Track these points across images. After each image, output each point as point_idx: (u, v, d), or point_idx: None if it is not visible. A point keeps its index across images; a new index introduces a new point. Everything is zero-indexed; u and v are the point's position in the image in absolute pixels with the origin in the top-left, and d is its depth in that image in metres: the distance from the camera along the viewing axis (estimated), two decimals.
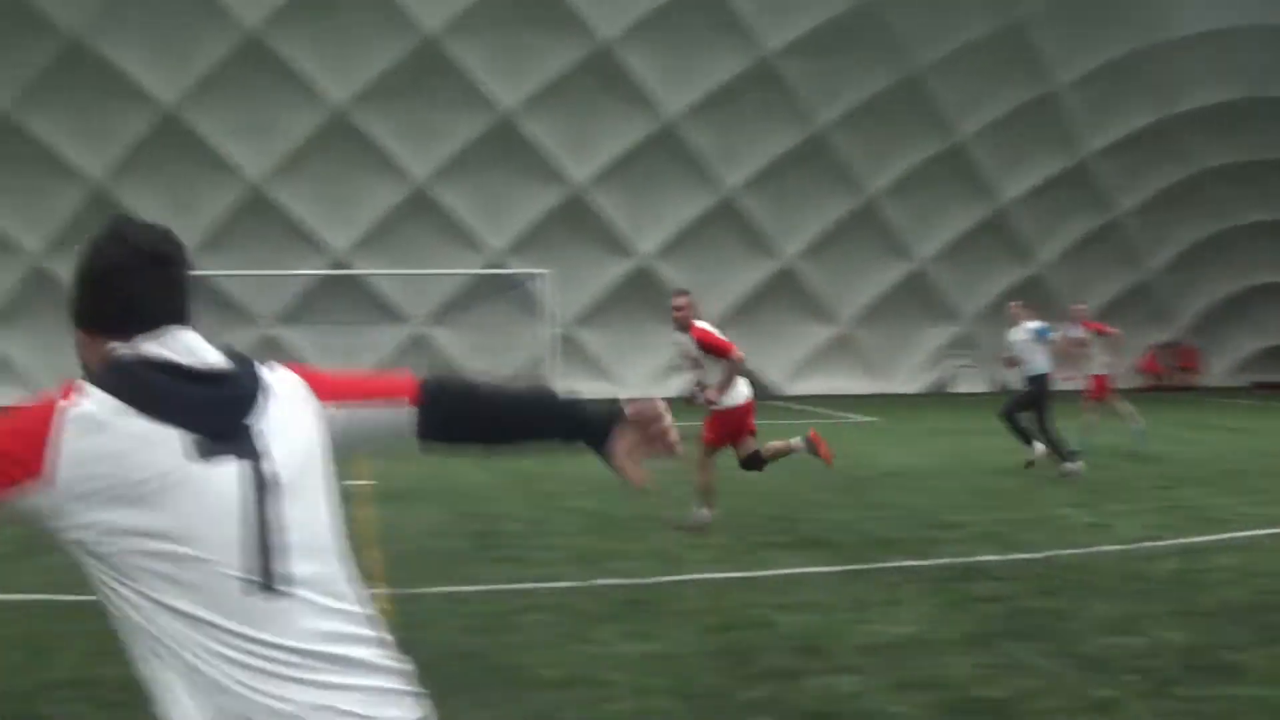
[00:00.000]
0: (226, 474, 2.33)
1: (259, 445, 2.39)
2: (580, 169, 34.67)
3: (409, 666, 2.53)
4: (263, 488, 2.38)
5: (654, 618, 8.91)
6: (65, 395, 2.27)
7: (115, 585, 2.28)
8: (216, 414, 2.37)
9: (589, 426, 2.79)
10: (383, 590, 8.94)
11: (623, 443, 2.75)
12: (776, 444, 12.55)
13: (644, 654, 7.85)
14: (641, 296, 34.73)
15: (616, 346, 36.24)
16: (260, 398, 2.47)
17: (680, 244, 36.04)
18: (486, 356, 32.36)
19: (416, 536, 12.34)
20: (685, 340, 12.31)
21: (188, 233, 29.23)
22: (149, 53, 29.71)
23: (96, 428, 2.22)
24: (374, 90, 31.79)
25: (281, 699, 2.27)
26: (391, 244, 34.08)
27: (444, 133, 33.25)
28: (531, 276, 33.38)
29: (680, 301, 12.36)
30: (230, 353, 2.50)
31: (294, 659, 2.31)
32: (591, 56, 32.72)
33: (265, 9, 29.74)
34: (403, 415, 2.70)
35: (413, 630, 7.14)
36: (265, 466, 2.39)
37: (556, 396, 2.92)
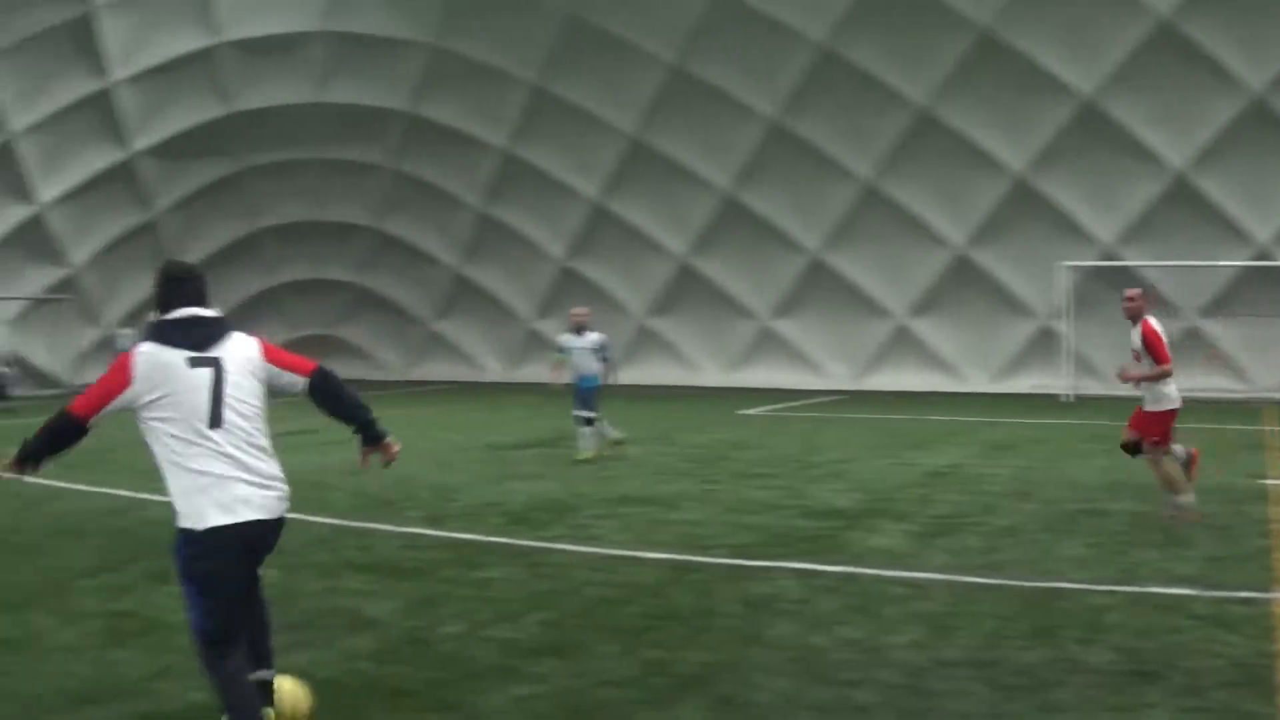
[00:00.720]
0: (203, 371, 5.40)
1: (219, 358, 5.45)
2: None
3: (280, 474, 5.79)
4: (219, 378, 5.43)
5: None
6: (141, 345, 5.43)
7: (149, 430, 5.39)
8: (197, 344, 5.45)
9: (366, 432, 6.32)
10: None
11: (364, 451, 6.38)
12: (1173, 470, 12.08)
13: None
14: None
15: None
16: (222, 339, 5.55)
17: None
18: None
19: None
20: (1134, 333, 12.35)
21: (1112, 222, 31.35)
22: (1062, 44, 29.60)
23: (147, 355, 5.35)
24: None
25: (216, 474, 5.35)
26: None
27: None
28: None
29: (1132, 293, 12.48)
30: (217, 318, 5.63)
31: (224, 454, 5.38)
32: None
33: None
34: (298, 382, 5.84)
35: None
36: (221, 368, 5.46)
37: (364, 413, 6.23)
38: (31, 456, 5.58)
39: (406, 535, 11.40)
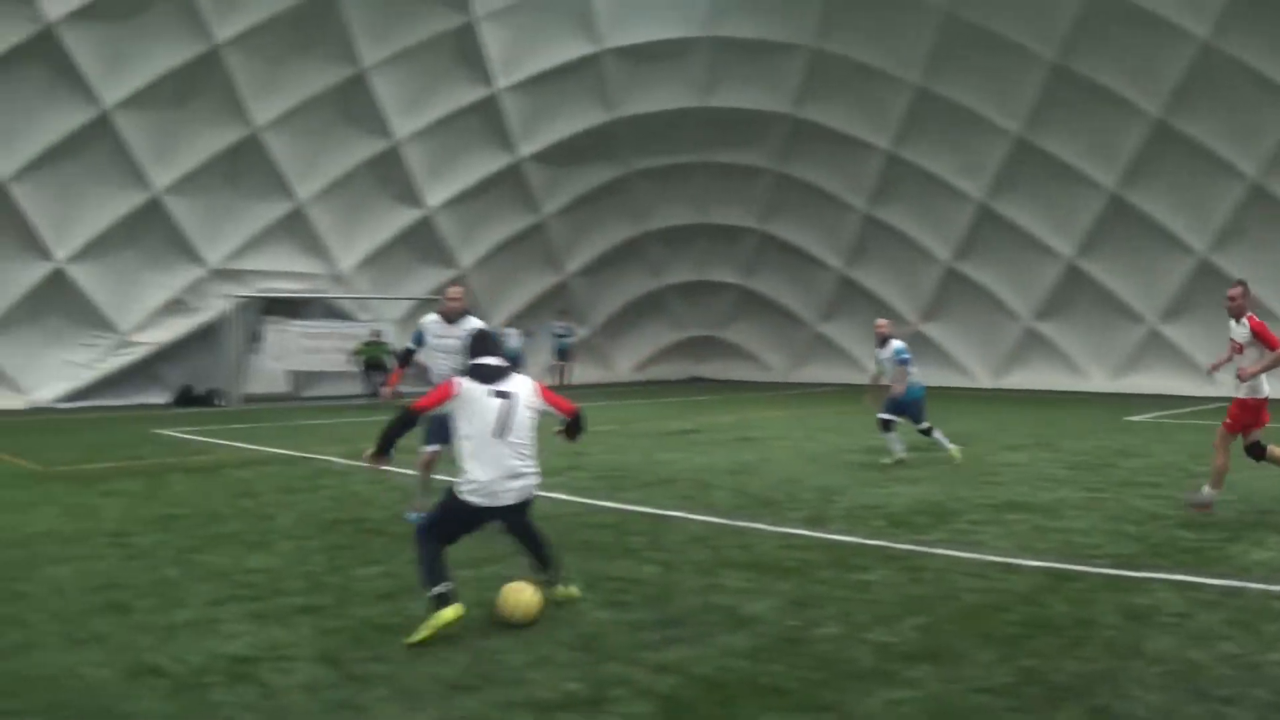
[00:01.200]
0: (495, 400, 8.34)
1: (507, 391, 8.39)
2: None
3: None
4: (507, 406, 8.35)
5: None
6: (459, 379, 8.53)
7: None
8: (492, 381, 8.40)
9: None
10: None
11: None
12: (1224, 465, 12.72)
13: None
14: None
15: None
16: (510, 378, 8.52)
17: None
18: None
19: None
20: (1236, 328, 12.97)
21: None
22: None
23: (462, 385, 8.35)
24: None
25: (503, 467, 8.21)
26: None
27: None
28: None
29: (1234, 292, 12.99)
30: (503, 366, 8.59)
31: (504, 457, 8.21)
32: None
33: None
34: (558, 416, 8.92)
35: None
36: (509, 398, 8.38)
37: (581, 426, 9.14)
38: (385, 448, 8.53)
39: (786, 535, 11.41)
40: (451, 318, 13.21)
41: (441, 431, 12.12)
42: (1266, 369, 12.74)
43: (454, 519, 8.36)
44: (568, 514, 12.80)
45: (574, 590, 8.87)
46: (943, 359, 39.52)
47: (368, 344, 34.91)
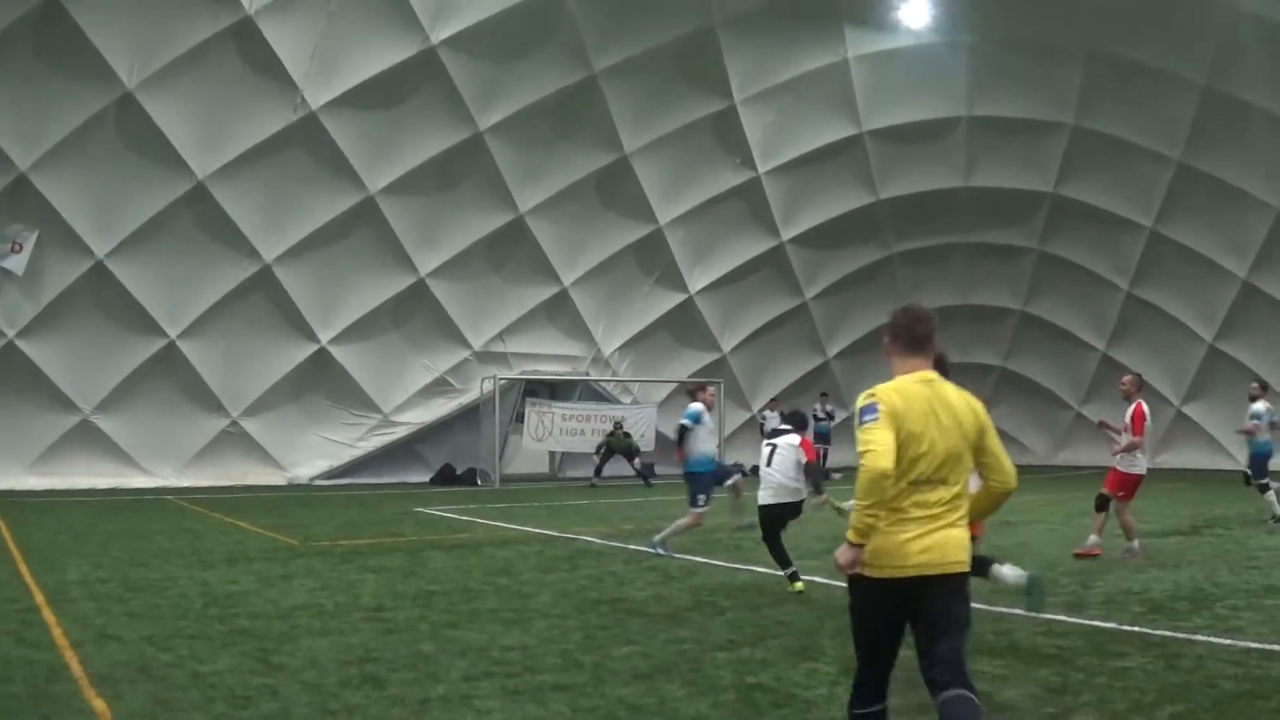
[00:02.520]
0: (769, 448, 12.96)
1: (775, 440, 13.00)
2: None
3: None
4: (773, 451, 12.86)
5: None
6: None
7: None
8: (772, 434, 13.21)
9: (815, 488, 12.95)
10: None
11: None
12: (1130, 521, 16.12)
13: None
14: None
15: None
16: (786, 435, 13.04)
17: None
18: None
19: None
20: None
21: None
22: None
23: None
24: None
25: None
26: None
27: None
28: None
29: (1126, 379, 17.11)
30: (784, 429, 13.35)
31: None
32: None
33: None
34: (803, 461, 12.70)
35: None
36: (777, 443, 12.94)
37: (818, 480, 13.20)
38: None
39: (1044, 621, 11.07)
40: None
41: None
42: (1127, 450, 16.39)
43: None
44: (826, 597, 12.59)
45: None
46: (1206, 439, 38.58)
47: (611, 435, 34.92)
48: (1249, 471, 21.86)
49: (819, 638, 10.10)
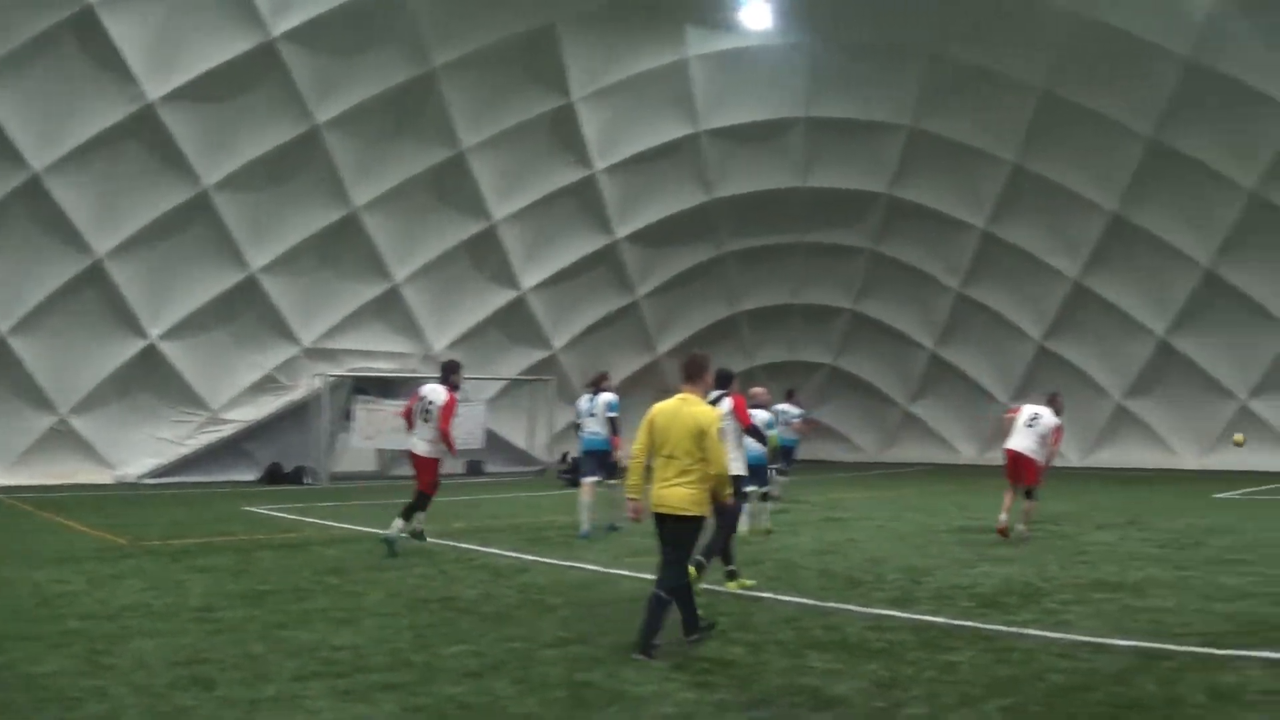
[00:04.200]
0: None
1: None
2: None
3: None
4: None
5: None
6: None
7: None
8: (711, 403, 11.62)
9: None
10: None
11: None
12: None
13: None
14: None
15: None
16: (718, 400, 13.46)
17: None
18: None
19: None
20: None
21: None
22: None
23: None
24: None
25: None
26: None
27: None
28: None
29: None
30: (721, 394, 13.76)
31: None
32: None
33: None
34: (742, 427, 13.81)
35: None
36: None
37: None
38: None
39: (873, 616, 11.30)
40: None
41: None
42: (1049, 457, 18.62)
43: None
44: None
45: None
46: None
47: None
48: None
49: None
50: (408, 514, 16.67)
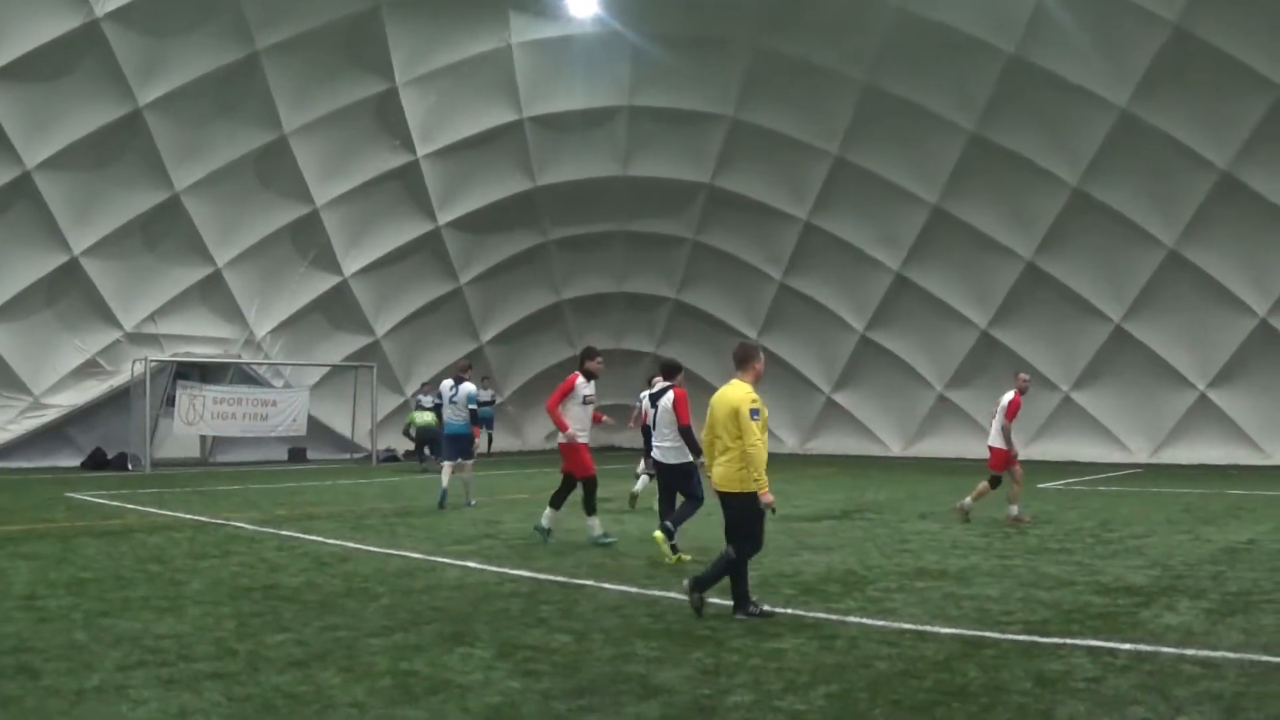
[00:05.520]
0: (654, 407, 15.66)
1: (658, 402, 15.31)
2: None
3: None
4: (656, 409, 15.46)
5: None
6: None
7: None
8: (655, 396, 15.62)
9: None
10: None
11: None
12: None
13: None
14: None
15: None
16: (663, 393, 15.24)
17: None
18: None
19: None
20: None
21: None
22: None
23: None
24: None
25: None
26: None
27: None
28: None
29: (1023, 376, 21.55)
30: (664, 388, 15.44)
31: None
32: None
33: None
34: (678, 425, 14.86)
35: None
36: (659, 404, 15.32)
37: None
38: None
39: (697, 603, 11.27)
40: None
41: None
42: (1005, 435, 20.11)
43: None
44: (479, 582, 12.73)
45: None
46: (855, 427, 40.13)
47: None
48: None
49: (473, 623, 10.24)
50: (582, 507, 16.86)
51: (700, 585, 10.63)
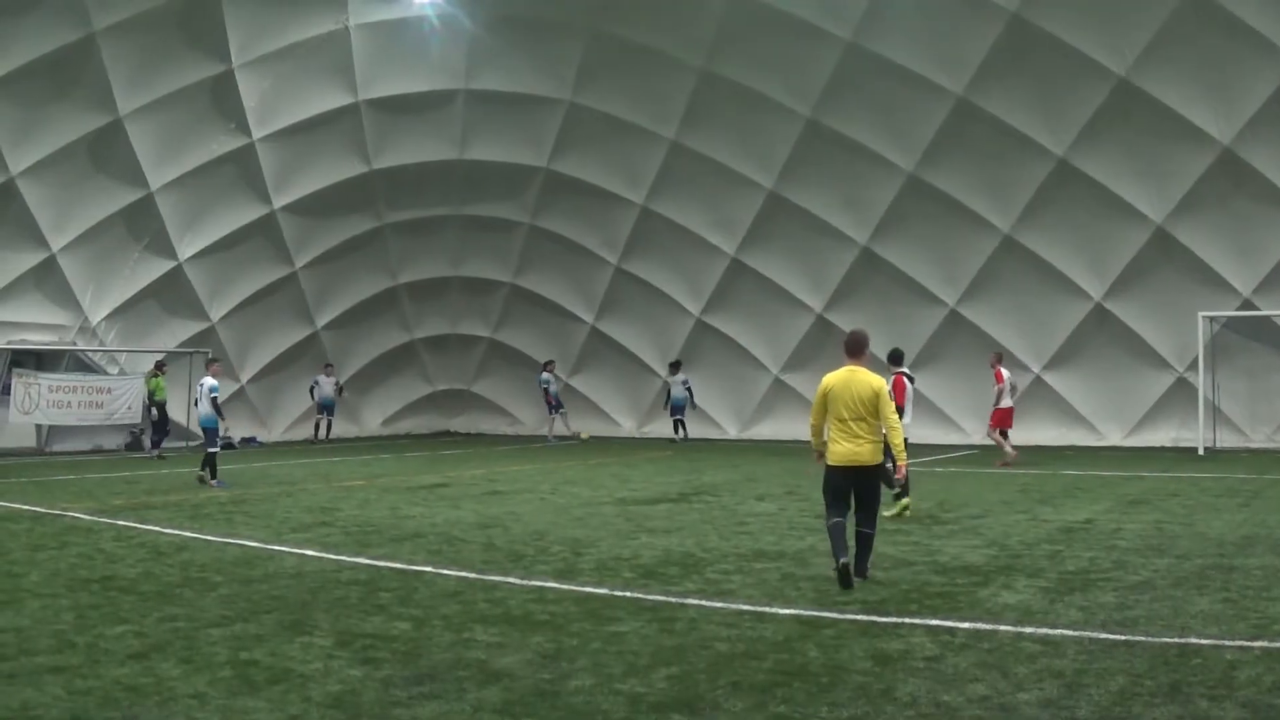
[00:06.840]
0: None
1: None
2: None
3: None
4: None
5: None
6: None
7: None
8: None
9: None
10: None
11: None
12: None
13: None
14: None
15: None
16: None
17: None
18: None
19: None
20: None
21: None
22: (1199, 90, 29.08)
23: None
24: None
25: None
26: None
27: None
28: None
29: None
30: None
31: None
32: None
33: None
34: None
35: None
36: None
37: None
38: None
39: (537, 589, 11.49)
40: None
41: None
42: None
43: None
44: (317, 570, 12.71)
45: None
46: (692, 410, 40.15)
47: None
48: None
49: (313, 611, 10.27)
50: None
51: (862, 571, 11.81)
